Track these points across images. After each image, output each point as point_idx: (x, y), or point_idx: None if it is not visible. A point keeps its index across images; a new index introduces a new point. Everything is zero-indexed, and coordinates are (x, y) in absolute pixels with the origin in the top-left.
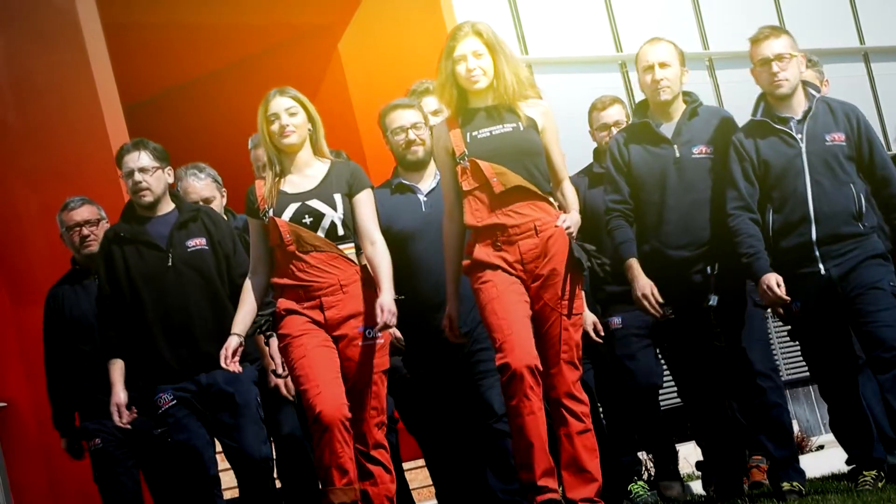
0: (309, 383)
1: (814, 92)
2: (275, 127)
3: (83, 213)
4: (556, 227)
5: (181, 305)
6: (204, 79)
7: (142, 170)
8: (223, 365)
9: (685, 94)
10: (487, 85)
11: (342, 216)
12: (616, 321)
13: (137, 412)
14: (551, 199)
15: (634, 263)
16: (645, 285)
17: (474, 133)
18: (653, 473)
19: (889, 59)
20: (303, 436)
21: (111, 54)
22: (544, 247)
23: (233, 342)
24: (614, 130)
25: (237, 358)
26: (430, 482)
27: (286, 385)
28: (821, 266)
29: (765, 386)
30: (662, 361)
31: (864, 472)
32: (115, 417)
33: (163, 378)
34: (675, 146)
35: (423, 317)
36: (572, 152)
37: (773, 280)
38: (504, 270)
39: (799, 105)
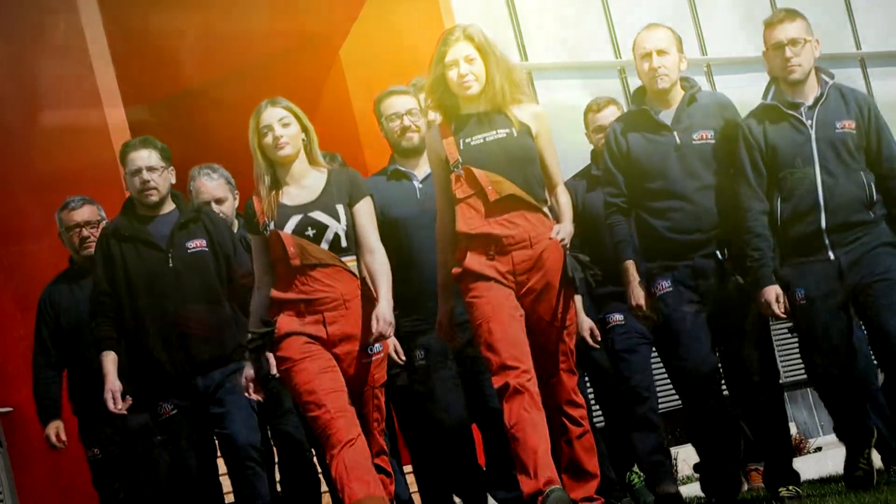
0: (319, 410)
1: (826, 78)
2: (268, 139)
3: (84, 213)
4: (551, 239)
5: (179, 307)
6: (207, 85)
7: (150, 168)
8: (248, 395)
9: (683, 79)
10: (480, 90)
11: (345, 227)
12: (617, 317)
13: (135, 413)
14: (545, 210)
15: (631, 266)
16: (639, 295)
17: (467, 140)
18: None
19: (886, 64)
20: (304, 441)
21: (114, 62)
22: (538, 259)
23: (249, 373)
24: None
25: (255, 388)
26: None
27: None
28: (830, 254)
29: (763, 389)
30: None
31: (861, 459)
32: (110, 404)
33: (158, 381)
34: (676, 133)
35: (419, 304)
36: (573, 157)
37: (773, 295)
38: (496, 281)
39: (811, 91)
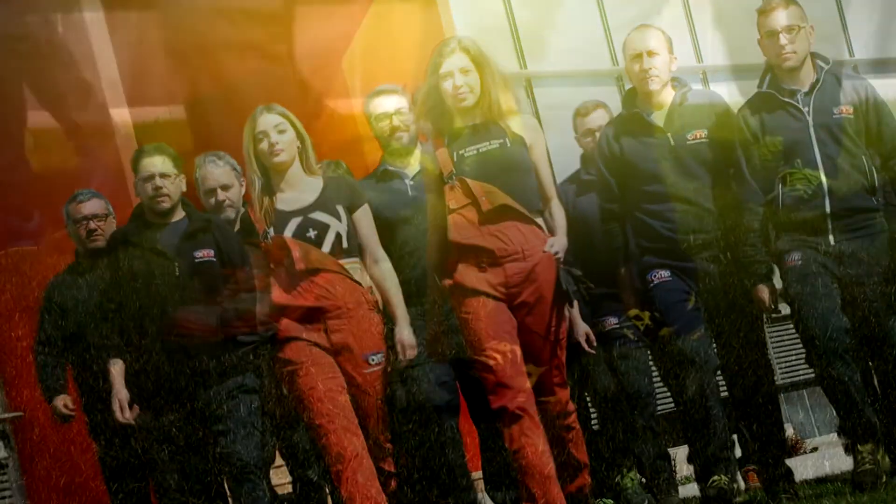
0: (322, 418)
1: (822, 63)
2: (263, 145)
3: (92, 206)
4: (544, 252)
5: (184, 316)
6: (209, 93)
7: (163, 175)
8: None
9: (673, 79)
10: (475, 102)
11: (346, 227)
12: (612, 321)
13: (141, 414)
14: (539, 221)
15: (626, 273)
16: (632, 306)
17: (461, 151)
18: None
19: (878, 71)
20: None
21: (118, 63)
22: (531, 272)
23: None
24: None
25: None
26: None
27: None
28: (831, 237)
29: (759, 389)
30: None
31: (860, 447)
32: (118, 414)
33: (163, 392)
34: (669, 134)
35: (411, 303)
36: (570, 165)
37: (767, 294)
38: (487, 295)
39: (807, 77)
